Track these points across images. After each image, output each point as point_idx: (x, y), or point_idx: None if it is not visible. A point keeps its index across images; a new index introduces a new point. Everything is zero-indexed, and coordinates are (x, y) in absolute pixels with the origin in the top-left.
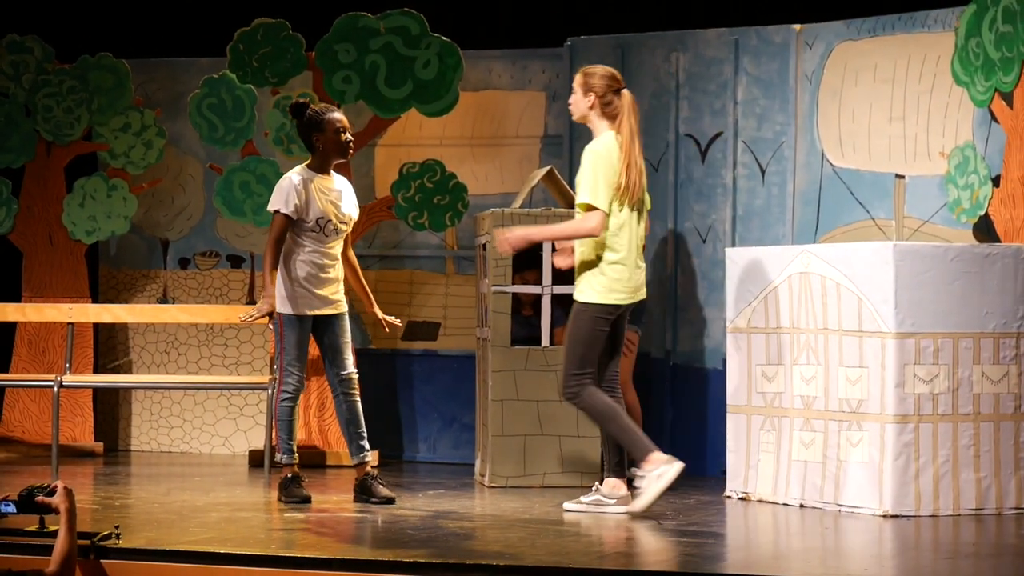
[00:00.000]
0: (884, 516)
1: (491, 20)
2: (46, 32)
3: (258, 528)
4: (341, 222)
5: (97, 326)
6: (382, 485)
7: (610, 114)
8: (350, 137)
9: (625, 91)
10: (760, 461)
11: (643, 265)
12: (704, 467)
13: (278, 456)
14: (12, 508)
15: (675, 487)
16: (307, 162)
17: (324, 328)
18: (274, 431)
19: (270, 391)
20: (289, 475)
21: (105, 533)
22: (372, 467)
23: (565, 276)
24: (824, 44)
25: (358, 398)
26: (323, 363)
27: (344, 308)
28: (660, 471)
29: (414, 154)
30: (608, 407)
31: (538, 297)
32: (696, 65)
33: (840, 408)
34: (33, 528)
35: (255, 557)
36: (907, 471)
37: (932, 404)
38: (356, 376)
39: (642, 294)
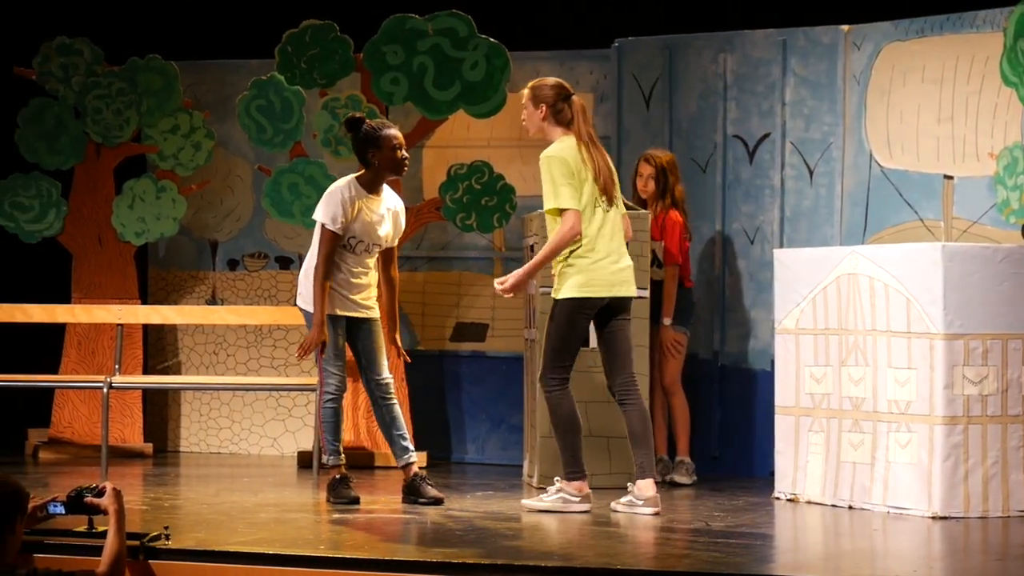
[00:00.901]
0: (933, 518)
1: (539, 21)
2: (95, 34)
3: (307, 529)
4: (375, 244)
5: (146, 327)
6: (430, 485)
7: (563, 121)
8: (406, 155)
9: (575, 97)
10: (809, 462)
11: (626, 261)
12: (752, 468)
13: (325, 458)
14: (61, 509)
15: (724, 489)
16: (358, 175)
17: (357, 332)
18: (320, 433)
19: (318, 392)
20: (337, 476)
21: (155, 534)
22: (419, 468)
23: None
24: (872, 45)
25: (396, 401)
26: (358, 369)
27: (376, 314)
28: (572, 499)
29: (462, 155)
30: (572, 417)
31: None
32: (744, 66)
33: (889, 409)
34: (82, 529)
35: (303, 558)
36: (956, 473)
37: (981, 405)
38: (391, 380)
39: (625, 290)
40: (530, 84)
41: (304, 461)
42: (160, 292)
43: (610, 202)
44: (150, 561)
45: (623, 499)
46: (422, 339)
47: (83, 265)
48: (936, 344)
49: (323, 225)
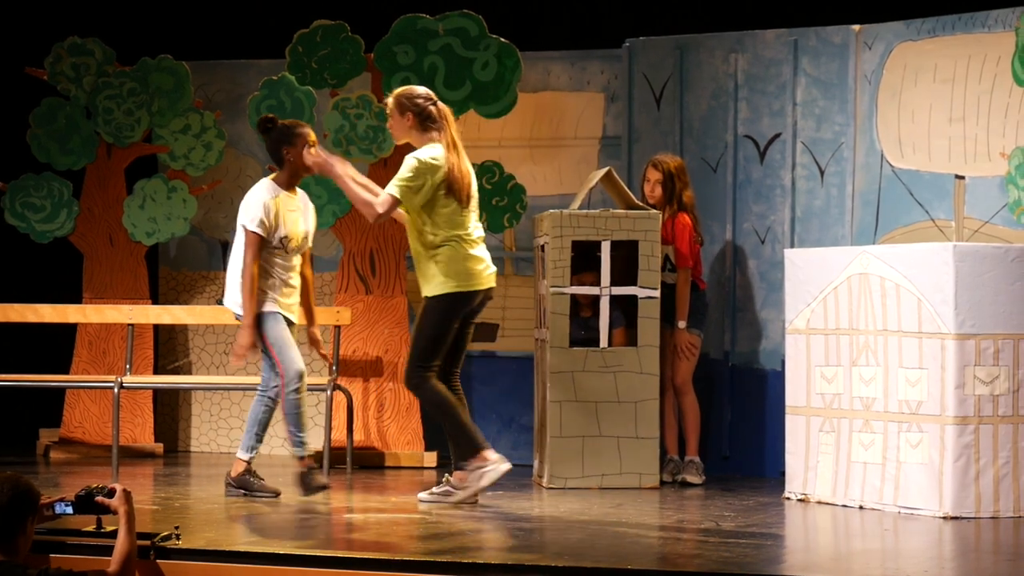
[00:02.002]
0: (944, 518)
1: (550, 21)
2: (107, 34)
3: (317, 529)
4: (304, 239)
5: (157, 327)
6: (319, 474)
7: (430, 128)
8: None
9: (440, 103)
10: (819, 463)
11: (487, 259)
12: (763, 469)
13: (295, 450)
14: (69, 509)
15: (734, 489)
16: (273, 176)
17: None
18: (286, 425)
19: (328, 392)
20: (305, 468)
21: (165, 534)
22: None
23: (625, 278)
24: (884, 44)
25: (273, 405)
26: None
27: (296, 319)
28: (487, 469)
29: (473, 155)
30: (447, 400)
31: (596, 298)
32: (755, 66)
33: (900, 409)
34: (90, 528)
35: (314, 558)
36: (967, 473)
37: (992, 405)
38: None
39: (489, 282)
40: (394, 93)
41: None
42: (171, 292)
43: (472, 204)
44: (160, 561)
45: (438, 488)
46: None
47: (94, 265)
48: (947, 344)
49: (246, 228)
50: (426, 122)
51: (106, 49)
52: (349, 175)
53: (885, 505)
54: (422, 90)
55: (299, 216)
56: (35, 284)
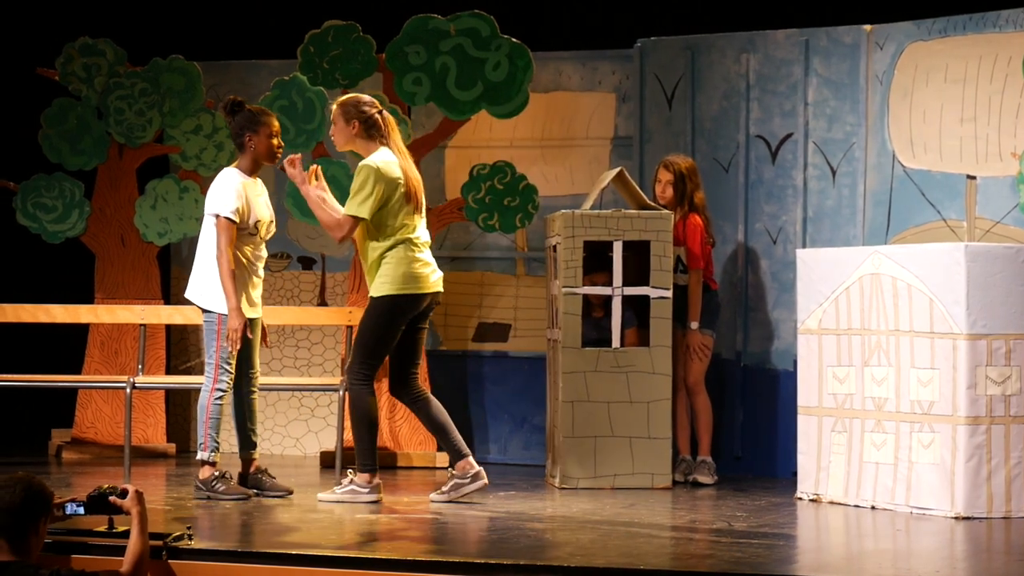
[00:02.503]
0: (956, 518)
1: (561, 21)
2: (118, 35)
3: (329, 529)
4: (272, 223)
5: (169, 327)
6: (272, 478)
7: (375, 135)
8: (281, 143)
9: (385, 111)
10: (831, 463)
11: (434, 263)
12: (775, 469)
13: (204, 455)
14: (80, 509)
15: (746, 489)
16: (236, 163)
17: (247, 329)
18: (204, 428)
19: (340, 392)
20: (217, 473)
21: (177, 534)
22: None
23: (637, 278)
24: (895, 45)
25: (256, 394)
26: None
27: (260, 310)
28: (361, 490)
29: (484, 156)
30: (370, 412)
31: (608, 298)
32: (766, 66)
33: (911, 410)
34: (102, 529)
35: (326, 558)
36: (979, 473)
37: (1004, 405)
38: (258, 374)
39: (436, 287)
40: (338, 101)
41: (327, 461)
42: (183, 292)
43: (422, 209)
44: (172, 561)
45: (445, 486)
46: (444, 339)
47: (106, 265)
48: (959, 344)
49: (219, 215)
50: (371, 130)
51: (117, 49)
52: (319, 196)
53: (897, 505)
54: (367, 98)
55: (264, 201)
56: (47, 284)
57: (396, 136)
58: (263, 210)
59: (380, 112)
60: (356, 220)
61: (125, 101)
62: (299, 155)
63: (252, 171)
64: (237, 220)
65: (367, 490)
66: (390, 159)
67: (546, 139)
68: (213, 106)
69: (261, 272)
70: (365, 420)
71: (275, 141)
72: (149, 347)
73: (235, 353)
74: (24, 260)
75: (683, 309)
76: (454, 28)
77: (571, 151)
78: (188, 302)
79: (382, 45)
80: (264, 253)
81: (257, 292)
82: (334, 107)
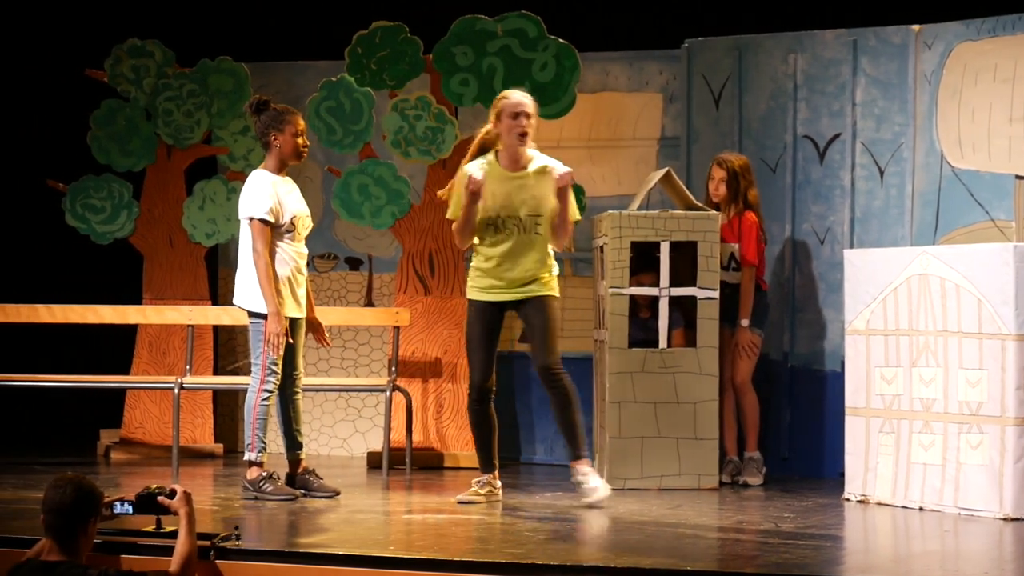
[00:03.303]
0: (1004, 519)
1: (608, 22)
2: (166, 36)
3: (376, 529)
4: (308, 218)
5: (217, 328)
6: (320, 479)
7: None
8: (307, 142)
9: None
10: (879, 464)
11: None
12: (822, 469)
13: (252, 455)
14: (129, 508)
15: (793, 490)
16: (263, 165)
17: (290, 331)
18: (252, 430)
19: (387, 393)
20: (265, 474)
21: (225, 534)
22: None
23: (683, 278)
24: (943, 44)
25: (301, 396)
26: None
27: (304, 310)
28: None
29: None
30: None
31: (655, 299)
32: (814, 66)
33: (960, 411)
34: (150, 529)
35: (373, 558)
36: None
37: None
38: (302, 374)
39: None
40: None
41: (374, 462)
42: (230, 293)
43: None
44: (220, 561)
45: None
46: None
47: (154, 266)
48: (1008, 345)
49: (253, 218)
50: None
51: (166, 51)
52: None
53: (945, 506)
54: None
55: (296, 196)
56: (95, 285)
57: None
58: (297, 205)
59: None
60: None
61: (173, 102)
62: (304, 130)
63: (280, 170)
64: (272, 220)
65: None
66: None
67: (593, 139)
68: None
69: (304, 270)
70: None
71: (300, 140)
72: (197, 348)
73: (281, 355)
74: (73, 261)
75: (732, 307)
76: (501, 29)
77: (618, 151)
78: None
79: (429, 46)
80: (304, 250)
81: (301, 291)
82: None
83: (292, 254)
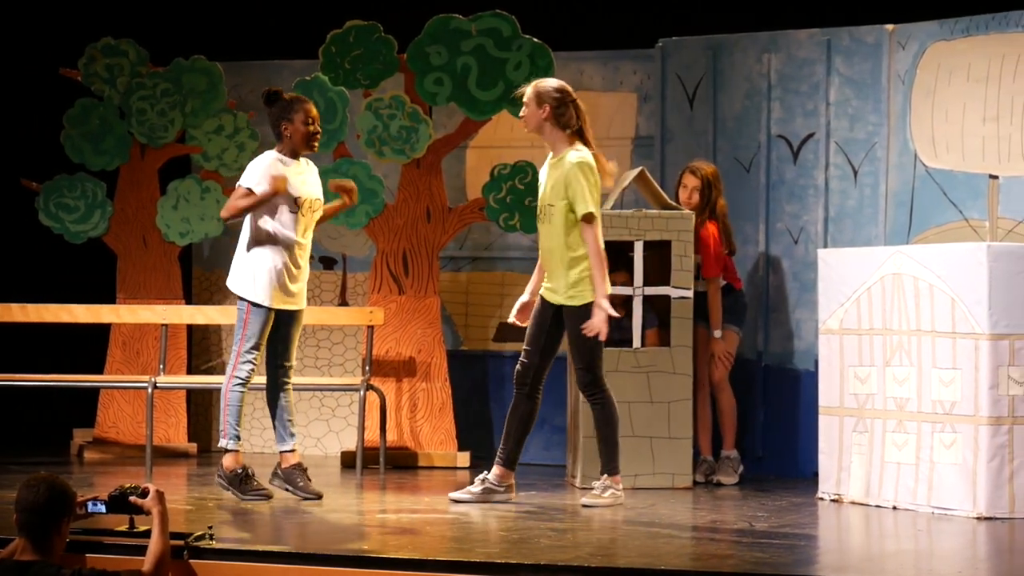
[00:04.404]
0: (978, 518)
1: (582, 21)
2: (140, 35)
3: (350, 529)
4: (316, 199)
5: (190, 327)
6: (309, 479)
7: (568, 126)
8: (318, 129)
9: (578, 100)
10: (852, 463)
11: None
12: (796, 469)
13: (224, 442)
14: (102, 508)
15: (768, 489)
16: (277, 148)
17: (285, 320)
18: (223, 416)
19: (361, 392)
20: (239, 470)
21: (199, 534)
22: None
23: (658, 278)
24: (917, 44)
25: (291, 388)
26: (266, 354)
27: (304, 304)
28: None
29: (505, 156)
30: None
31: (629, 299)
32: (788, 66)
33: (933, 410)
34: (123, 528)
35: (347, 558)
36: (1001, 473)
37: None
38: (293, 368)
39: None
40: (534, 83)
41: (348, 461)
42: (204, 292)
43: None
44: (194, 561)
45: (475, 487)
46: (466, 339)
47: (128, 265)
48: (981, 344)
49: (239, 186)
50: (563, 117)
51: (139, 50)
52: (600, 286)
53: (918, 506)
54: (560, 83)
55: (307, 178)
56: (69, 285)
57: (590, 128)
58: (305, 188)
59: (574, 100)
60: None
61: (147, 101)
62: (317, 117)
63: (292, 158)
64: (255, 191)
65: (502, 489)
66: (590, 156)
67: None
68: (235, 106)
69: (303, 262)
70: (615, 421)
71: (311, 128)
72: (170, 347)
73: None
74: (46, 260)
75: (705, 312)
76: (475, 28)
77: None
78: (209, 302)
79: (403, 45)
80: (307, 242)
81: (296, 286)
82: (529, 89)
83: (291, 239)
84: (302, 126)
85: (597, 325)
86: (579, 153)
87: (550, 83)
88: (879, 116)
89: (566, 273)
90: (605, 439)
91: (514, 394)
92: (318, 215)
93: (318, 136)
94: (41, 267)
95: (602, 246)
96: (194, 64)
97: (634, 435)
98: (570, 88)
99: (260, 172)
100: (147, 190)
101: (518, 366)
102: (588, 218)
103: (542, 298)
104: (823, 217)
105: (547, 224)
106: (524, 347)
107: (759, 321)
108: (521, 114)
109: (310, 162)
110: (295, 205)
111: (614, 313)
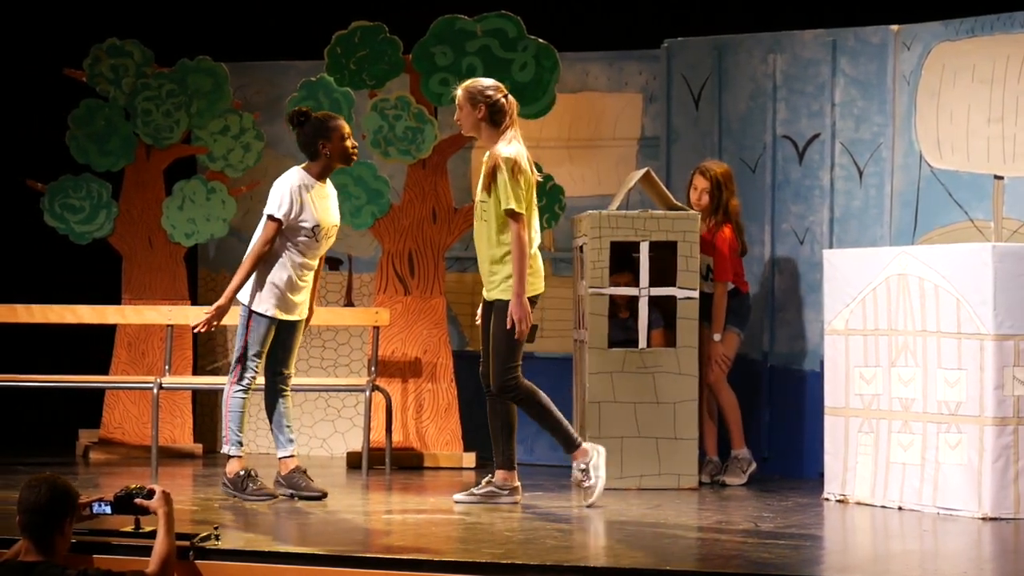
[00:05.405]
0: (983, 519)
1: (588, 22)
2: (145, 36)
3: (356, 530)
4: (332, 226)
5: None
6: (310, 480)
7: (501, 121)
8: (355, 143)
9: (510, 96)
10: (858, 463)
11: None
12: (801, 469)
13: (226, 448)
14: (107, 509)
15: (773, 490)
16: (305, 166)
17: (286, 328)
18: (225, 422)
19: (367, 392)
20: (242, 472)
21: (204, 534)
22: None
23: (663, 279)
24: (922, 45)
25: (289, 395)
26: (266, 361)
27: (306, 314)
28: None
29: None
30: (543, 399)
31: (635, 299)
32: (793, 66)
33: (938, 410)
34: (128, 529)
35: (353, 559)
36: (1006, 474)
37: None
38: (292, 376)
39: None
40: (464, 85)
41: (353, 462)
42: (210, 293)
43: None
44: (199, 562)
45: (480, 489)
46: (471, 339)
47: (133, 266)
48: (986, 345)
49: (269, 216)
50: (497, 115)
51: (145, 50)
52: (519, 280)
53: (924, 506)
54: (492, 82)
55: (330, 204)
56: (74, 285)
57: (518, 123)
58: (327, 215)
59: (506, 97)
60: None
61: (152, 102)
62: (350, 133)
63: (322, 176)
64: (283, 219)
65: (506, 492)
66: (523, 151)
67: (573, 140)
68: (240, 107)
69: (308, 279)
70: (545, 407)
71: (348, 143)
72: (176, 348)
73: (255, 347)
74: (52, 261)
75: (710, 315)
76: (480, 29)
77: (598, 152)
78: (214, 302)
79: (409, 46)
80: (315, 263)
81: (300, 296)
82: (459, 91)
83: (300, 261)
84: (340, 143)
85: (514, 314)
86: (508, 148)
87: (483, 83)
88: (884, 117)
89: (491, 268)
90: (509, 431)
91: (486, 398)
92: (331, 242)
93: (356, 150)
94: (46, 268)
95: (526, 242)
96: (199, 65)
97: (640, 436)
98: (502, 85)
99: (286, 196)
100: (152, 191)
101: (480, 367)
102: (511, 214)
103: (483, 298)
104: (828, 218)
105: (480, 221)
106: (481, 348)
107: (764, 322)
108: (456, 117)
109: (331, 185)
110: (312, 232)
111: (527, 310)
